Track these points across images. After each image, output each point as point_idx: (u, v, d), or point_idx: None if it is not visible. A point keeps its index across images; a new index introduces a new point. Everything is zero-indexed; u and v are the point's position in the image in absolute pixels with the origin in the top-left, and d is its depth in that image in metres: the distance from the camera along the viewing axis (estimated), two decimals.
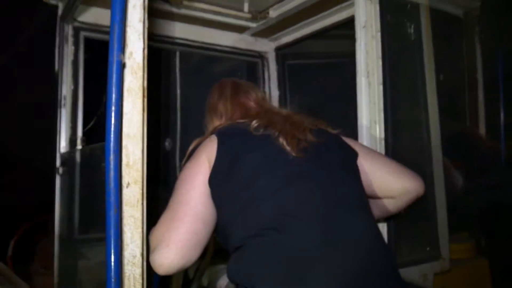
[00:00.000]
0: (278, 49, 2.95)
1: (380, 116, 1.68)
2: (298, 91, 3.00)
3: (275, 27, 2.68)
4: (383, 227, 1.67)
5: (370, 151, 1.50)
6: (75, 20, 2.25)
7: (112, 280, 1.08)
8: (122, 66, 1.15)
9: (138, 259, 1.18)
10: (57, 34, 2.25)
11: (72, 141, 2.20)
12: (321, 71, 3.12)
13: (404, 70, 1.86)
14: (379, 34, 1.70)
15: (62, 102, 2.18)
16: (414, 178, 1.44)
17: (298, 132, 1.34)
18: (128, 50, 1.20)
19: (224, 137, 1.35)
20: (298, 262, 1.13)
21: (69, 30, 2.24)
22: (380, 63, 1.69)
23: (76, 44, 2.27)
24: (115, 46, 1.14)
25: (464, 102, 2.36)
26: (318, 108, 3.07)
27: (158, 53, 2.65)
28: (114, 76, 1.13)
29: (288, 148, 1.29)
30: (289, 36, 2.81)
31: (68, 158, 2.10)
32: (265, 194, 1.23)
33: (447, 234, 1.91)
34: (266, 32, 2.80)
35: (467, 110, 2.36)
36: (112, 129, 1.12)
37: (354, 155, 1.39)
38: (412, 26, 1.89)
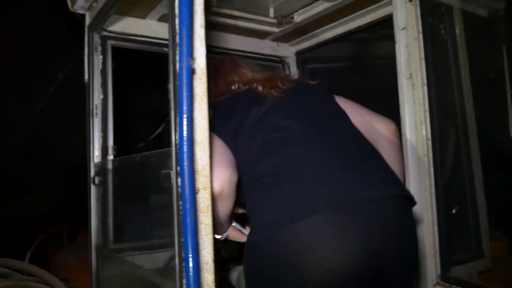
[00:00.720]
0: (298, 54, 2.96)
1: (426, 117, 1.68)
2: None
3: (297, 32, 2.70)
4: (433, 230, 1.68)
5: (347, 100, 1.70)
6: (103, 29, 2.24)
7: (192, 287, 1.07)
8: (192, 72, 1.15)
9: (210, 265, 1.17)
10: (85, 43, 2.24)
11: (103, 150, 2.18)
12: (340, 74, 3.14)
13: (443, 71, 1.87)
14: (421, 35, 1.71)
15: (94, 111, 2.16)
16: (385, 117, 1.68)
17: (274, 82, 1.62)
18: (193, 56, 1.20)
19: (213, 104, 1.60)
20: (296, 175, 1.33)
21: (97, 39, 2.24)
22: (424, 64, 1.70)
23: (104, 53, 2.27)
24: (184, 51, 1.13)
25: (493, 102, 2.38)
26: None
27: None
28: (185, 82, 1.12)
29: (267, 91, 1.57)
30: (310, 41, 2.82)
31: (102, 168, 2.08)
32: (257, 128, 1.48)
33: (488, 233, 1.92)
34: (287, 37, 2.81)
35: (496, 110, 2.38)
36: (185, 135, 1.11)
37: (331, 95, 1.66)
38: (447, 27, 1.91)
